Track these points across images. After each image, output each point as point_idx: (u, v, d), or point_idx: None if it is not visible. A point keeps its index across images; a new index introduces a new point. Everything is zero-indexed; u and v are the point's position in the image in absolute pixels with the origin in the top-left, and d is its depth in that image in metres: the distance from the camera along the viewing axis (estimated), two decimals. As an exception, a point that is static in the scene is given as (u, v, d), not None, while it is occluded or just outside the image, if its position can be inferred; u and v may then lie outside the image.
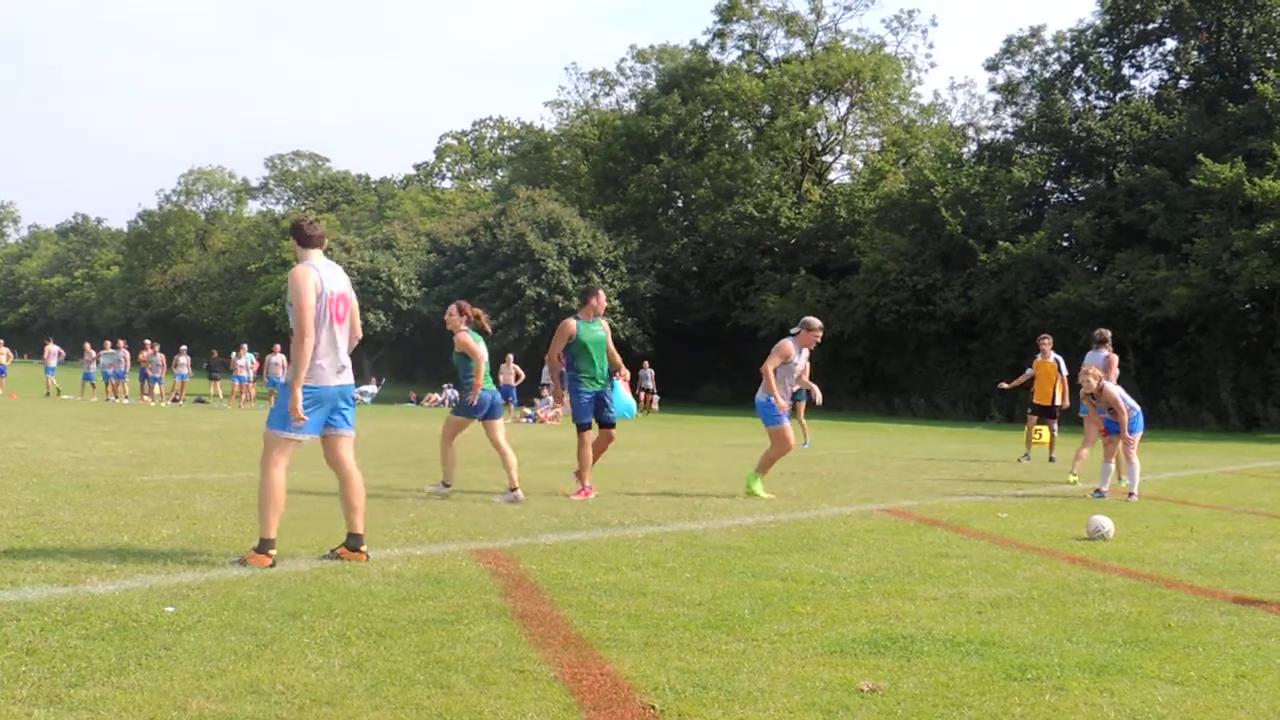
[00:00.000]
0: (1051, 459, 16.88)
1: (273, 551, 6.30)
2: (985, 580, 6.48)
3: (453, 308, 10.72)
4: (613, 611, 5.35)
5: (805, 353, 11.22)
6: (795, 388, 11.71)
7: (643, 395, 38.58)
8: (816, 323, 11.30)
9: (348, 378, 6.54)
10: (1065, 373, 17.16)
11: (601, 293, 11.20)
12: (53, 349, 38.33)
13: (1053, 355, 17.26)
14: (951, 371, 41.93)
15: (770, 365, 10.94)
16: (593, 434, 10.71)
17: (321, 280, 6.37)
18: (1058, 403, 17.16)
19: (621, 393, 23.81)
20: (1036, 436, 18.23)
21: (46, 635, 4.57)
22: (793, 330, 11.35)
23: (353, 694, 3.92)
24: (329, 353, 6.38)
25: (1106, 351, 14.19)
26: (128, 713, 3.66)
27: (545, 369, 30.76)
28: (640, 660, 4.48)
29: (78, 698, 3.78)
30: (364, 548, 6.54)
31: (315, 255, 6.52)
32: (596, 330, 10.77)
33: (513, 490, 9.98)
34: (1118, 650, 4.85)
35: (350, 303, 6.58)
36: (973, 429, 32.51)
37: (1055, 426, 17.42)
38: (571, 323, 10.69)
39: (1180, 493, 12.54)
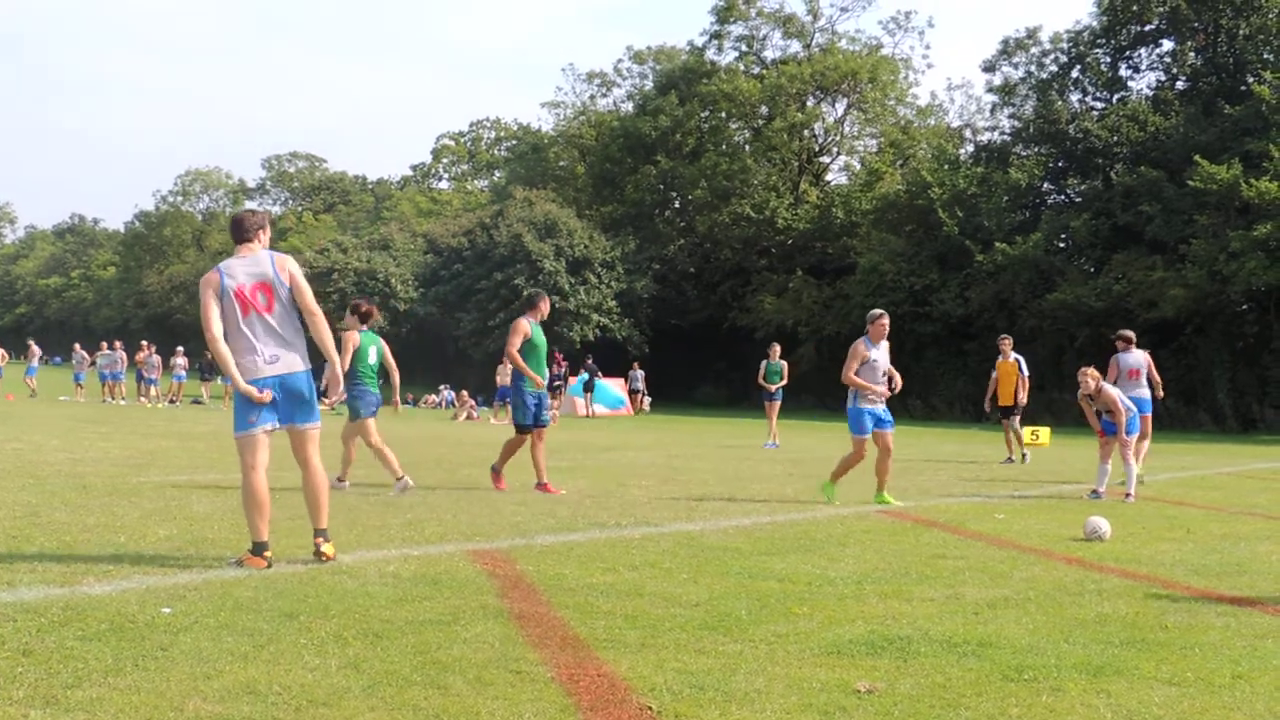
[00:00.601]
0: (1019, 457, 17.02)
1: (267, 554, 6.29)
2: (982, 581, 6.49)
3: (350, 308, 11.31)
4: (609, 612, 5.35)
5: (884, 345, 10.72)
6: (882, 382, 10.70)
7: (634, 396, 38.64)
8: (876, 312, 10.94)
9: (286, 366, 6.31)
10: (1025, 373, 17.49)
11: (547, 299, 11.68)
12: (34, 349, 38.04)
13: (1013, 355, 17.49)
14: (948, 372, 41.95)
15: (849, 371, 10.51)
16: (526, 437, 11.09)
17: (223, 276, 6.27)
18: (1020, 401, 17.35)
19: (608, 388, 23.53)
20: (1033, 438, 18.22)
21: (43, 636, 4.56)
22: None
23: (349, 695, 3.92)
24: (252, 345, 6.25)
25: (1140, 352, 14.22)
26: (124, 713, 3.66)
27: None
28: (637, 661, 4.48)
29: (74, 699, 3.77)
30: (320, 540, 6.48)
31: (242, 250, 6.43)
32: (541, 334, 11.24)
33: (400, 479, 10.46)
34: (1114, 651, 4.85)
35: (279, 288, 6.31)
36: (969, 430, 32.52)
37: (1018, 424, 17.59)
38: (525, 323, 11.07)
39: (1177, 494, 12.55)
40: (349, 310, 11.29)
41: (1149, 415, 13.67)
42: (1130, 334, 14.41)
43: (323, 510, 6.52)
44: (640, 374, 39.13)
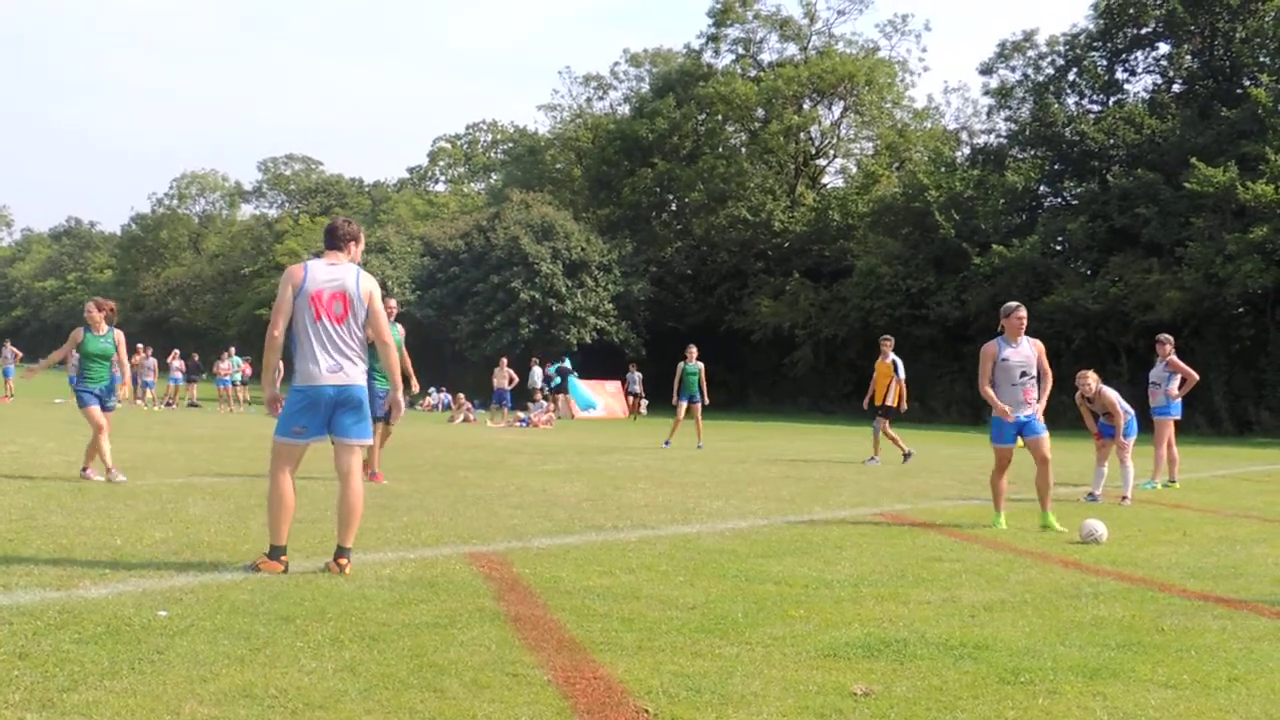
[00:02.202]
0: (903, 456, 17.34)
1: (284, 558, 6.24)
2: (978, 584, 6.49)
3: (90, 305, 11.77)
4: (606, 615, 5.35)
5: (1024, 342, 9.46)
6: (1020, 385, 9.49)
7: (631, 399, 38.57)
8: (1010, 305, 9.67)
9: (346, 377, 6.25)
10: (901, 375, 17.71)
11: (392, 300, 11.90)
12: (8, 351, 37.76)
13: (891, 356, 17.71)
14: (945, 375, 41.96)
15: (982, 380, 9.52)
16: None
17: (306, 276, 6.25)
18: (889, 402, 17.58)
19: (583, 389, 23.34)
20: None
21: (39, 639, 4.56)
22: None
23: (346, 698, 3.92)
24: (314, 352, 6.21)
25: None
26: (120, 717, 3.65)
27: (535, 373, 30.55)
28: (634, 664, 4.48)
29: (70, 702, 3.77)
30: (344, 560, 6.26)
31: (330, 255, 6.44)
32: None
33: (110, 471, 10.99)
34: (1111, 654, 4.85)
35: (356, 303, 6.30)
36: (966, 433, 32.53)
37: (888, 427, 17.71)
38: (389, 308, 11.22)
39: (1173, 496, 12.56)
40: (94, 309, 11.79)
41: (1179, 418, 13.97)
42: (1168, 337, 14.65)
43: (352, 529, 6.35)
44: (638, 376, 39.06)
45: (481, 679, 4.19)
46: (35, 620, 4.87)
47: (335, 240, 6.47)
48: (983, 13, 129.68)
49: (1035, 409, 9.36)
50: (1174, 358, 14.15)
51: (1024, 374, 9.35)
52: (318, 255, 6.59)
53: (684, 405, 20.68)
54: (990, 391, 9.41)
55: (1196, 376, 14.14)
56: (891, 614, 5.56)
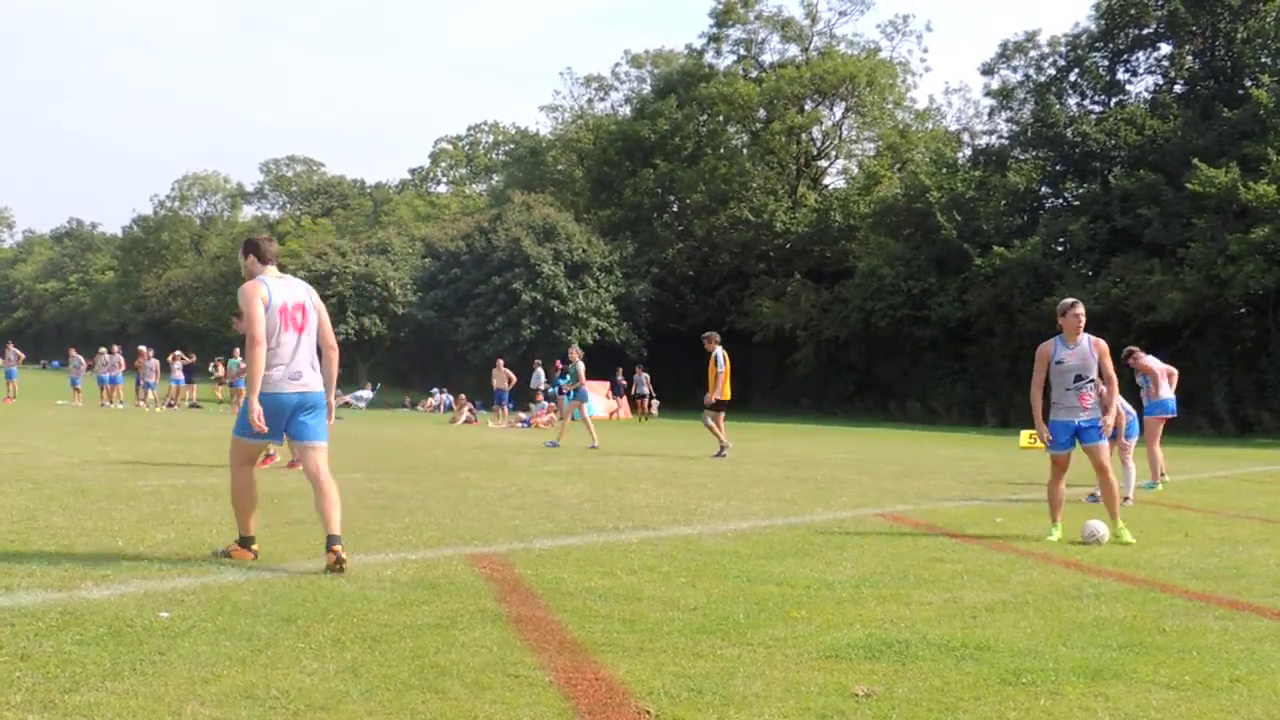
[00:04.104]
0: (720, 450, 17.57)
1: (254, 546, 6.59)
2: (980, 585, 6.49)
3: None
4: (608, 616, 5.35)
5: (1084, 342, 8.76)
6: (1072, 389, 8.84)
7: (639, 401, 38.48)
8: (1066, 302, 9.02)
9: (306, 385, 6.60)
10: (721, 369, 18.12)
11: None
12: (11, 353, 37.67)
13: (714, 352, 18.13)
14: (946, 376, 41.99)
15: (1034, 382, 8.94)
16: None
17: (270, 292, 6.52)
18: (712, 397, 18.07)
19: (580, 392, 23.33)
20: (1031, 441, 18.15)
21: (41, 640, 4.56)
22: None
23: (348, 699, 3.92)
24: (282, 361, 6.50)
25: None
26: (122, 718, 3.65)
27: (538, 373, 30.46)
28: (635, 665, 4.48)
29: (72, 703, 3.77)
30: (337, 546, 6.32)
31: (270, 270, 6.71)
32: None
33: None
34: (1113, 654, 4.85)
35: (311, 314, 6.69)
36: (968, 433, 32.54)
37: (709, 419, 18.11)
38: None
39: (1174, 497, 12.55)
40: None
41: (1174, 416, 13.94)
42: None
43: (336, 519, 6.45)
44: (645, 377, 38.83)
45: (483, 680, 4.19)
46: (37, 621, 4.87)
47: (269, 257, 6.77)
48: (984, 13, 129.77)
49: (1094, 414, 8.75)
50: (1142, 361, 13.87)
51: (1079, 378, 8.73)
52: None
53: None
54: (1036, 398, 8.87)
55: (1157, 369, 13.82)
56: (893, 615, 5.56)
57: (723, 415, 18.27)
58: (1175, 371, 14.70)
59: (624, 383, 39.00)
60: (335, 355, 6.97)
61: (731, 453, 17.84)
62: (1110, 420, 8.83)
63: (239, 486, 6.63)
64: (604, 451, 18.54)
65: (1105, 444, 8.90)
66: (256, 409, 6.36)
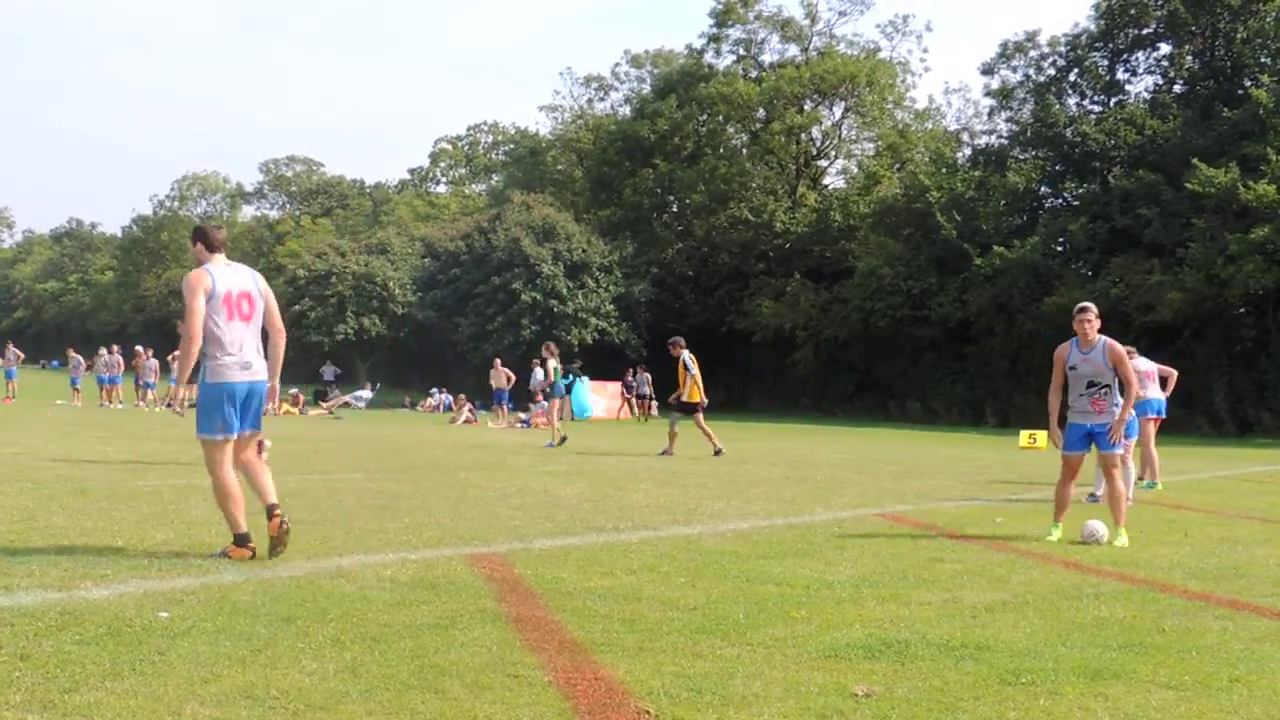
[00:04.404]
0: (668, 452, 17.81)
1: (251, 544, 6.59)
2: (980, 585, 6.49)
3: None
4: (607, 616, 5.35)
5: (1098, 348, 8.66)
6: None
7: (641, 401, 38.34)
8: (1079, 306, 8.97)
9: (254, 374, 6.71)
10: (693, 371, 18.41)
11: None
12: (10, 352, 37.57)
13: (681, 356, 18.44)
14: (946, 376, 41.99)
15: (1052, 385, 8.92)
16: None
17: (214, 281, 6.58)
18: (684, 398, 18.43)
19: (582, 393, 23.44)
20: (1030, 441, 18.09)
21: (40, 640, 4.56)
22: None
23: (347, 699, 3.92)
24: (230, 350, 6.59)
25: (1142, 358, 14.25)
26: (122, 718, 3.65)
27: (537, 373, 30.44)
28: (635, 665, 4.48)
29: (72, 703, 3.77)
30: (279, 512, 6.60)
31: (218, 259, 6.75)
32: None
33: None
34: (1112, 654, 4.85)
35: (257, 300, 6.75)
36: (967, 433, 32.54)
37: (679, 421, 18.53)
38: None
39: (1174, 497, 12.56)
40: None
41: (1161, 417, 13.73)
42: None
43: (271, 490, 6.73)
44: (646, 378, 38.61)
45: (483, 680, 4.19)
46: (37, 621, 4.87)
47: (219, 244, 6.81)
48: (983, 13, 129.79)
49: (1107, 419, 8.64)
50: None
51: (1092, 384, 8.68)
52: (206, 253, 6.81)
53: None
54: (1054, 400, 8.86)
55: (1141, 369, 13.65)
56: (893, 615, 5.56)
57: (700, 416, 18.57)
58: (1174, 372, 14.64)
59: (634, 381, 38.82)
60: (282, 340, 6.96)
61: (677, 451, 18.07)
62: (1120, 430, 8.73)
63: (220, 485, 6.68)
64: (604, 451, 18.54)
65: (1117, 451, 8.86)
66: (180, 395, 6.71)
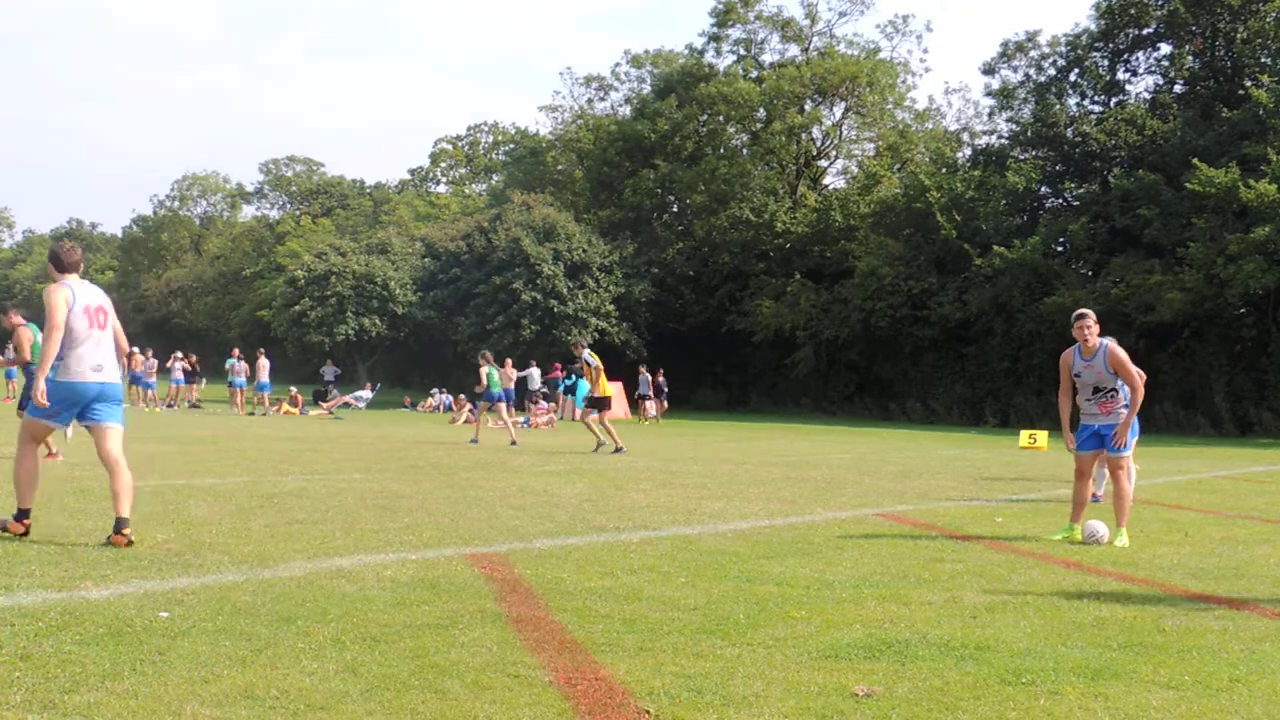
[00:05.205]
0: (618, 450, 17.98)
1: (27, 521, 7.14)
2: (980, 585, 6.49)
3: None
4: (608, 616, 5.35)
5: (1100, 354, 8.69)
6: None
7: (643, 402, 38.05)
8: (1076, 313, 8.87)
9: (106, 377, 7.22)
10: (594, 364, 19.10)
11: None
12: (10, 353, 37.64)
13: (585, 353, 19.15)
14: (946, 376, 41.98)
15: (1060, 390, 9.03)
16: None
17: (74, 295, 7.20)
18: (597, 395, 19.15)
19: (586, 390, 24.05)
20: (1030, 441, 18.03)
21: (41, 640, 4.56)
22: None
23: (347, 699, 3.92)
24: (86, 353, 7.12)
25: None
26: (122, 718, 3.66)
27: (534, 373, 30.45)
28: (635, 665, 4.48)
29: (72, 703, 3.77)
30: (126, 530, 6.94)
31: (71, 277, 7.33)
32: None
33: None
34: (1112, 654, 4.85)
35: (110, 314, 7.38)
36: (968, 433, 32.54)
37: (591, 417, 18.98)
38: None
39: (1174, 497, 12.56)
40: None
41: None
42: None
43: (128, 501, 7.12)
44: (647, 378, 38.00)
45: (483, 680, 4.19)
46: (37, 621, 4.87)
47: (71, 266, 7.38)
48: (984, 14, 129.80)
49: (1115, 420, 8.69)
50: None
51: (1097, 390, 8.73)
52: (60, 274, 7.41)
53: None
54: (1064, 405, 8.89)
55: (1135, 383, 13.56)
56: (893, 615, 5.56)
57: (606, 415, 19.03)
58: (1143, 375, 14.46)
59: (661, 382, 38.20)
60: (123, 340, 7.59)
61: (606, 450, 18.19)
62: (1125, 433, 8.69)
63: (22, 461, 7.23)
64: (603, 451, 18.54)
65: (1125, 454, 8.85)
66: (42, 387, 6.96)
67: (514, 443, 19.91)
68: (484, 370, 21.32)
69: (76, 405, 7.19)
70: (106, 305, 7.40)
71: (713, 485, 12.62)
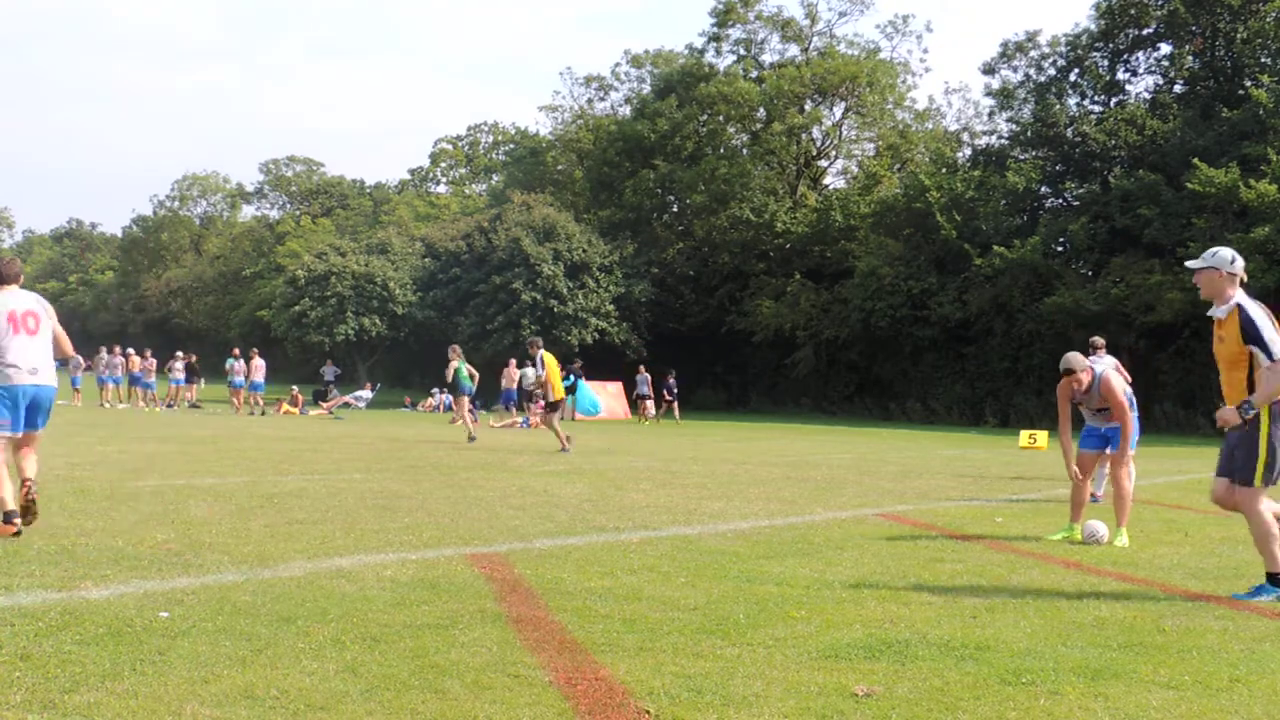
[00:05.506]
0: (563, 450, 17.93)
1: (16, 520, 7.24)
2: (980, 585, 6.49)
3: None
4: (608, 616, 5.35)
5: (1095, 385, 8.73)
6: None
7: (641, 401, 37.99)
8: (1062, 366, 8.79)
9: (44, 379, 7.62)
10: (548, 366, 19.23)
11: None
12: None
13: (540, 354, 19.37)
14: (946, 376, 41.99)
15: (1060, 422, 9.07)
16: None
17: (6, 302, 7.60)
18: (550, 398, 19.32)
19: (588, 392, 24.37)
20: (1030, 441, 18.01)
21: (41, 640, 4.56)
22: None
23: (347, 699, 3.92)
24: (17, 358, 7.47)
25: (1109, 357, 14.15)
26: (122, 718, 3.66)
27: (529, 373, 30.65)
28: (635, 665, 4.48)
29: (72, 703, 3.77)
30: (17, 520, 7.23)
31: (10, 288, 7.72)
32: None
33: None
34: (1112, 654, 4.85)
35: (43, 319, 7.73)
36: (967, 433, 32.54)
37: (543, 418, 19.72)
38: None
39: (1174, 497, 12.56)
40: None
41: None
42: (1099, 340, 14.33)
43: (36, 468, 7.64)
44: (646, 378, 37.85)
45: (483, 680, 4.19)
46: (37, 621, 4.87)
47: (13, 277, 7.77)
48: (984, 14, 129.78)
49: (1119, 424, 8.71)
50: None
51: (1100, 410, 8.85)
52: None
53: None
54: (1064, 431, 8.98)
55: (1124, 408, 13.49)
56: (893, 615, 5.56)
57: (557, 416, 19.37)
58: (1129, 378, 14.43)
59: (672, 384, 37.99)
60: (65, 341, 8.01)
61: (574, 449, 18.24)
62: (1125, 445, 8.71)
63: None
64: (604, 451, 18.54)
65: (1129, 455, 8.89)
66: None
67: (472, 438, 20.18)
68: (452, 365, 21.59)
69: (19, 408, 7.48)
70: (37, 309, 7.73)
71: (713, 485, 12.62)
